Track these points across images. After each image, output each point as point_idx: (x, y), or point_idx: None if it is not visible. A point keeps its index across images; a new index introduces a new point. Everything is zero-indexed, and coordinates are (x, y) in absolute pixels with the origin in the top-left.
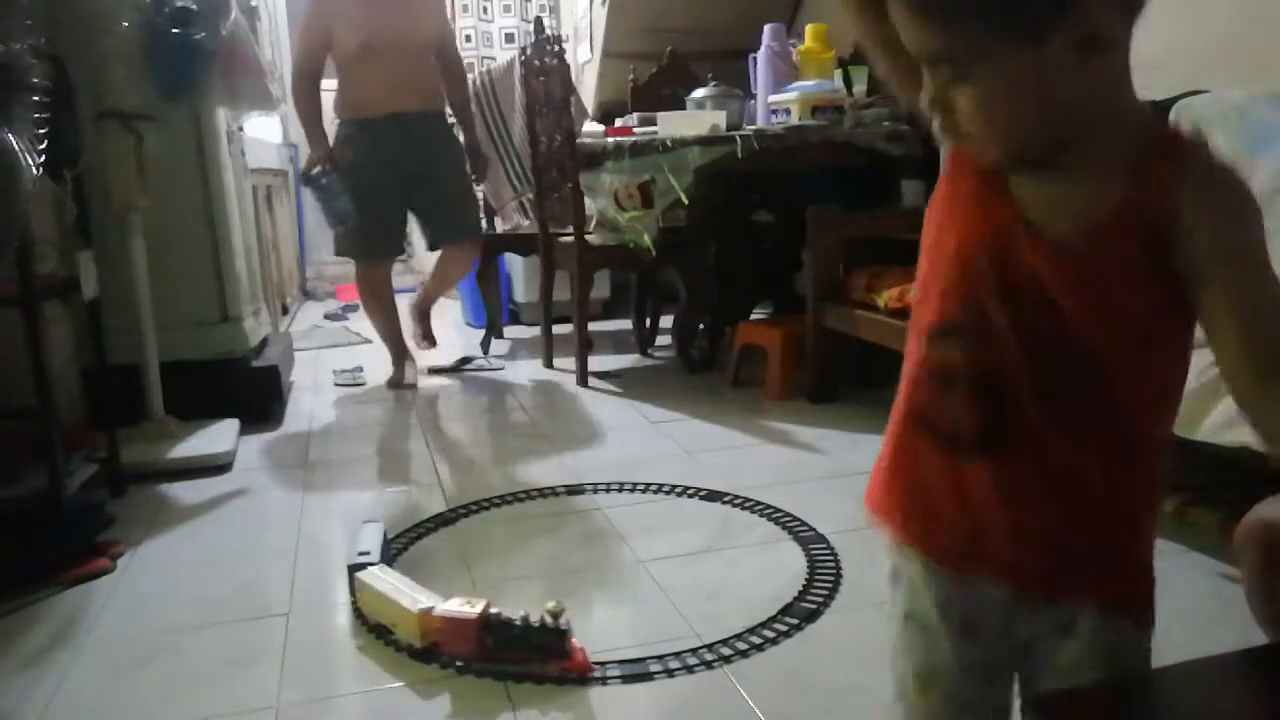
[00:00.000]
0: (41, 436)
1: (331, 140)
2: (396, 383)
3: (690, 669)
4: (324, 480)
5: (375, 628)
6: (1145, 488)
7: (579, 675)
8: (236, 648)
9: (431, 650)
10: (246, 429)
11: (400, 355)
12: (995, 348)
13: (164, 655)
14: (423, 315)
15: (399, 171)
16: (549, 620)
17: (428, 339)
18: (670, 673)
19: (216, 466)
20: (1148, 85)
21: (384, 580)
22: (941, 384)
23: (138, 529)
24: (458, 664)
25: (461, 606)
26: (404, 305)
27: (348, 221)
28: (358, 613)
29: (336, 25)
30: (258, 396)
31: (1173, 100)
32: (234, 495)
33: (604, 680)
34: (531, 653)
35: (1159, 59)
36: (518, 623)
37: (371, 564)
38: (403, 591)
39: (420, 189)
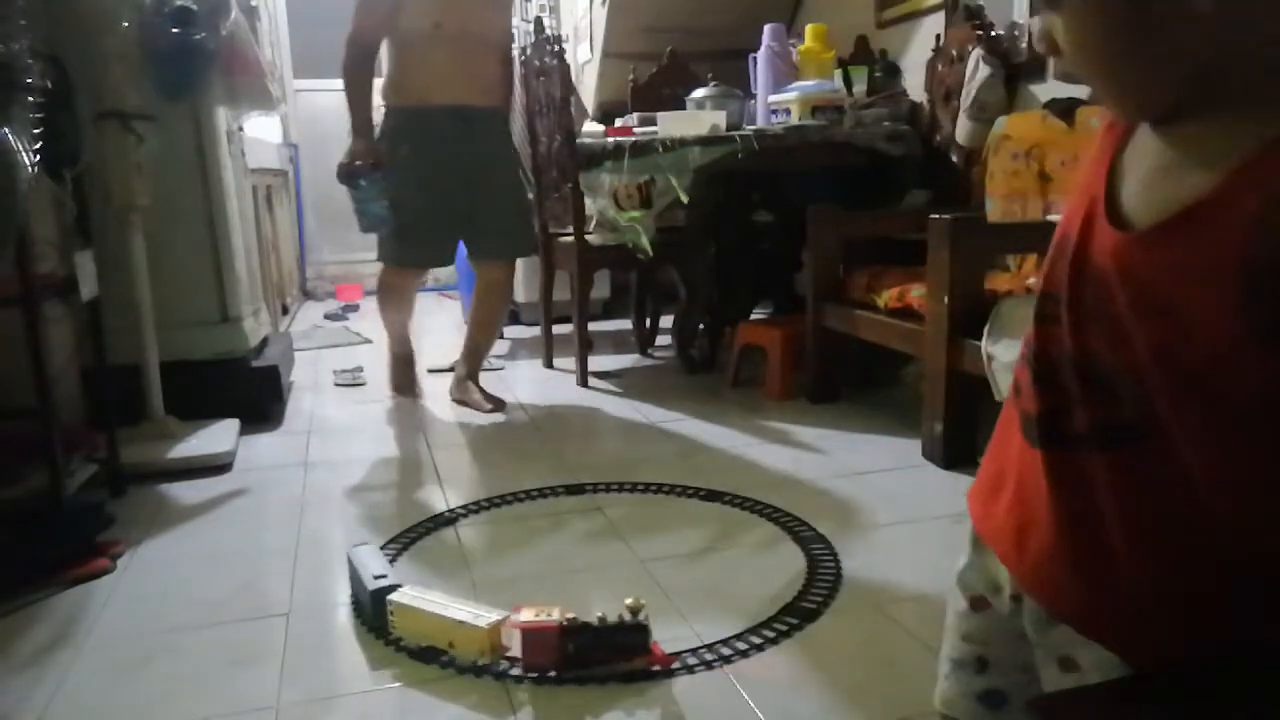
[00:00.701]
0: (41, 436)
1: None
2: (401, 389)
3: (690, 669)
4: (324, 480)
5: (420, 652)
6: (1186, 576)
7: (662, 669)
8: (236, 648)
9: (503, 663)
10: (246, 429)
11: (408, 362)
12: (1059, 336)
13: (164, 655)
14: (471, 385)
15: (455, 172)
16: (628, 617)
17: (492, 402)
18: (670, 673)
19: (216, 466)
20: None
21: (426, 600)
22: (1023, 357)
23: (138, 529)
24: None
25: (537, 616)
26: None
27: (380, 229)
28: (385, 637)
29: None
30: (258, 396)
31: None
32: (234, 495)
33: (604, 680)
34: (613, 653)
35: None
36: (597, 625)
37: (396, 586)
38: (455, 608)
39: (476, 195)
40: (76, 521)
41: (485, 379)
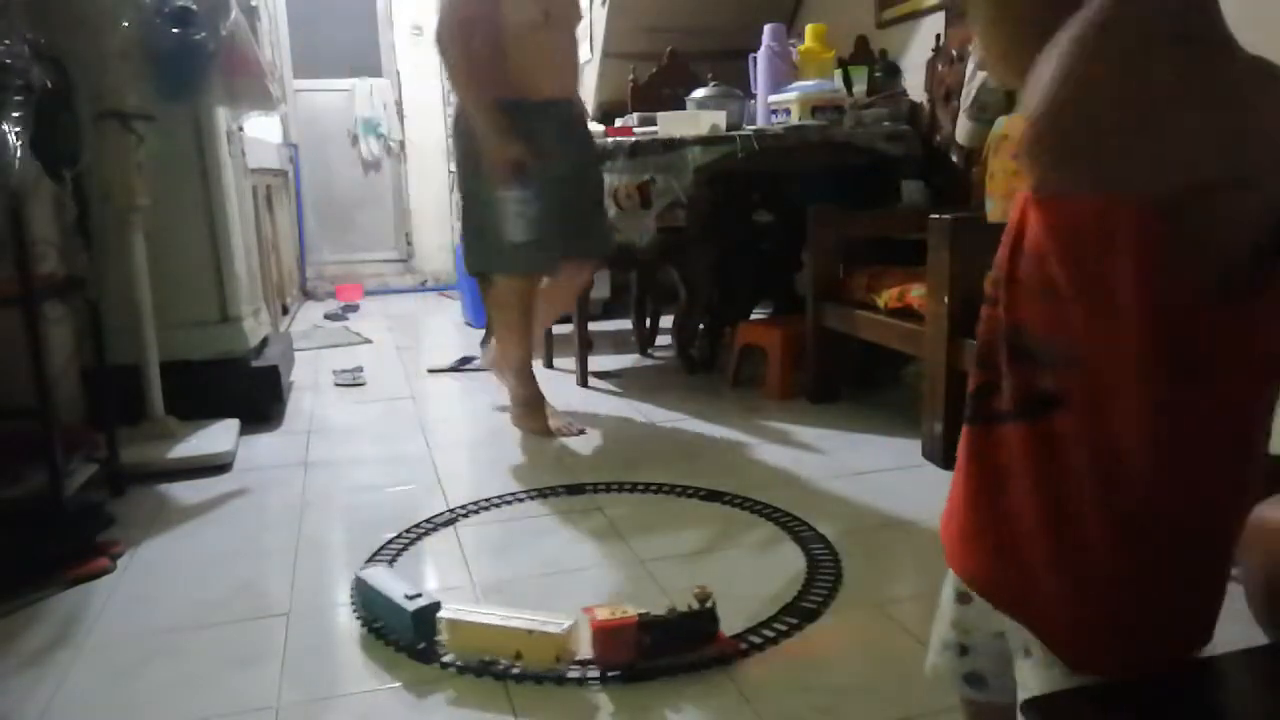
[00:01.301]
0: (41, 436)
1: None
2: (564, 429)
3: (690, 669)
4: (324, 480)
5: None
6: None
7: (732, 653)
8: (236, 648)
9: (575, 664)
10: (246, 429)
11: (538, 397)
12: (997, 315)
13: (164, 655)
14: (528, 376)
15: (564, 168)
16: (696, 605)
17: (564, 426)
18: (670, 673)
19: (216, 466)
20: None
21: (480, 613)
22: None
23: (138, 529)
24: (459, 664)
25: (612, 615)
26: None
27: (531, 235)
28: (430, 658)
29: None
30: (258, 396)
31: None
32: (234, 495)
33: (604, 680)
34: (685, 643)
35: None
36: (670, 616)
37: (438, 603)
38: (517, 618)
39: (577, 191)
40: (76, 521)
41: (486, 379)
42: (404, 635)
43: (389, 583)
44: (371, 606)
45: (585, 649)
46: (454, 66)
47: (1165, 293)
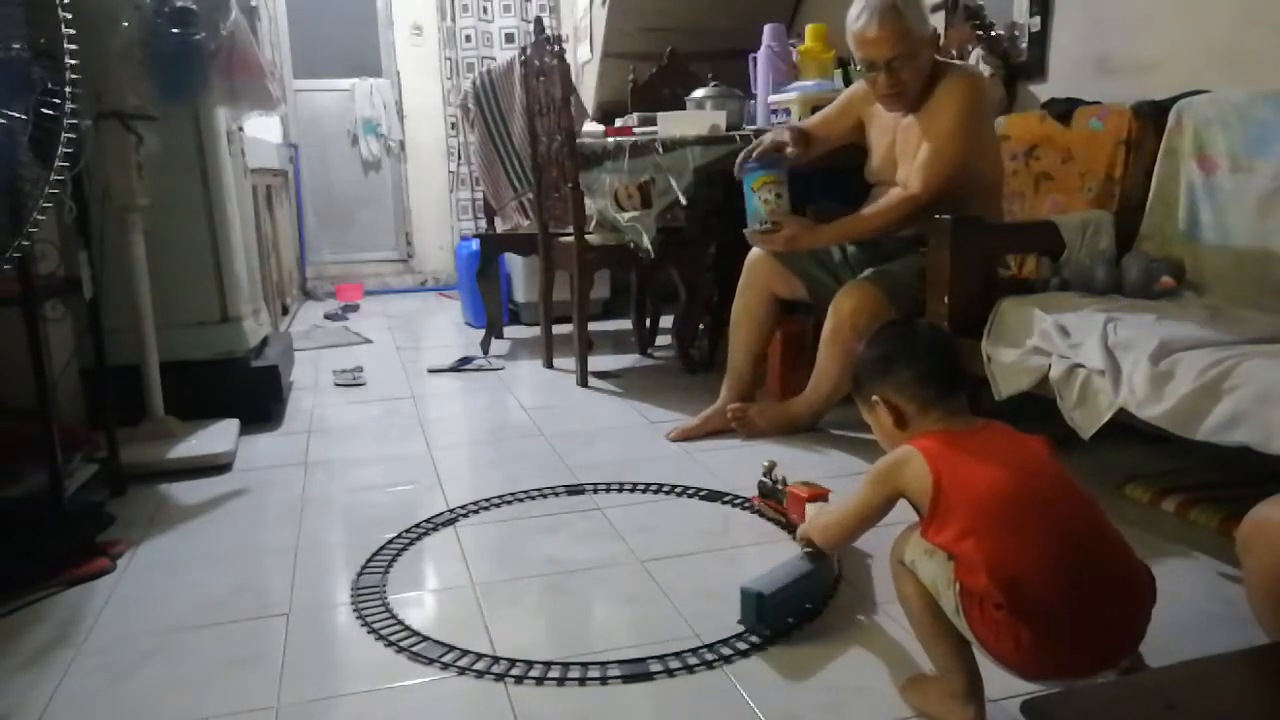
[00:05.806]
0: (41, 436)
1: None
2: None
3: (690, 669)
4: (324, 480)
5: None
6: None
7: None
8: (236, 648)
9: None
10: (246, 429)
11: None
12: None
13: (164, 655)
14: (730, 382)
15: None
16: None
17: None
18: (670, 673)
19: (216, 466)
20: (1148, 85)
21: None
22: None
23: (138, 529)
24: (459, 664)
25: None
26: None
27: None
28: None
29: None
30: (258, 396)
31: (1173, 100)
32: (234, 495)
33: (604, 680)
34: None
35: (1159, 59)
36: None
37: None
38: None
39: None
40: (76, 521)
41: (484, 379)
42: (823, 593)
43: (782, 571)
44: (784, 605)
45: None
46: None
47: None
